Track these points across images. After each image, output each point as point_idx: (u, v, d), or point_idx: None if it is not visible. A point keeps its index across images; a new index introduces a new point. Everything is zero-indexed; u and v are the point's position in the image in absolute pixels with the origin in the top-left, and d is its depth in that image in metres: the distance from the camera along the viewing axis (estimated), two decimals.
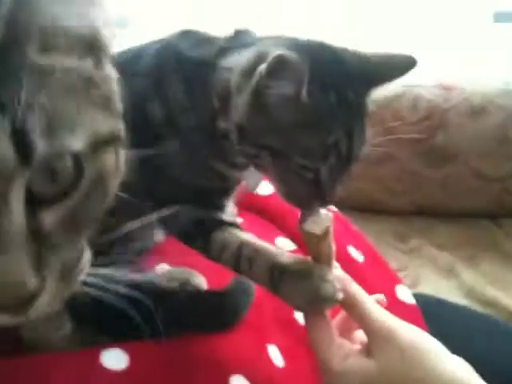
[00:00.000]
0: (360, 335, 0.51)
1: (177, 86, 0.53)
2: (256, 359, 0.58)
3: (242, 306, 0.58)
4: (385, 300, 0.52)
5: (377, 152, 1.21)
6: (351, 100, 0.48)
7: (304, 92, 0.45)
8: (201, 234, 0.55)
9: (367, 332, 0.46)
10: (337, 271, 0.50)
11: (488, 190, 1.13)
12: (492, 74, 1.10)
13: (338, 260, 0.77)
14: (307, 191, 0.49)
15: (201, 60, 0.53)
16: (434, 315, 0.76)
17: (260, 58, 0.47)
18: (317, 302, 0.47)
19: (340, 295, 0.47)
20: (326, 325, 0.47)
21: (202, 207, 0.55)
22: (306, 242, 0.49)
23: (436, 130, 1.08)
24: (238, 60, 0.49)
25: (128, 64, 0.58)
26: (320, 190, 0.49)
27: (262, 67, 0.45)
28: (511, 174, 1.11)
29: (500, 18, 1.39)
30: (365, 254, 0.80)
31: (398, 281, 0.78)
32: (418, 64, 1.19)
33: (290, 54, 0.44)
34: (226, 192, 0.58)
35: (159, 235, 0.64)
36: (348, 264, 0.77)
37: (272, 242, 0.74)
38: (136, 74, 0.56)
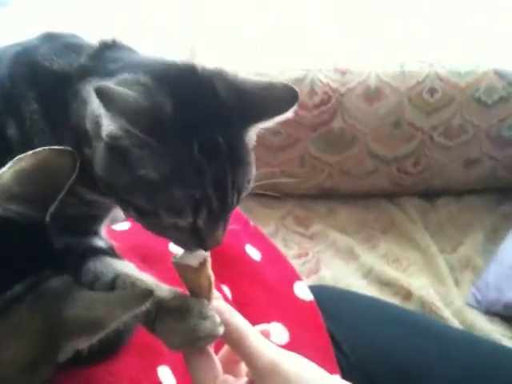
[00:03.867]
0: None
1: (33, 105, 0.47)
2: None
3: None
4: (269, 331, 0.49)
5: (278, 138, 1.19)
6: (220, 145, 0.42)
7: (161, 147, 0.40)
8: (70, 263, 0.50)
9: (249, 367, 0.44)
10: (218, 302, 0.47)
11: (385, 170, 1.15)
12: (387, 56, 1.11)
13: (236, 260, 0.76)
14: (186, 239, 0.44)
15: (60, 76, 0.47)
16: (330, 306, 0.77)
17: None
18: (196, 341, 0.44)
19: (221, 330, 0.44)
20: (207, 364, 0.45)
21: (71, 233, 0.50)
22: (182, 276, 0.45)
23: (334, 114, 1.08)
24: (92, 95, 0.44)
25: None
26: (199, 237, 0.44)
27: (111, 128, 0.39)
28: (406, 155, 1.14)
29: None
30: (263, 252, 0.79)
31: (295, 277, 0.77)
32: (314, 49, 1.16)
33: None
34: (97, 218, 0.53)
35: None
36: (246, 265, 0.76)
37: None
38: None
